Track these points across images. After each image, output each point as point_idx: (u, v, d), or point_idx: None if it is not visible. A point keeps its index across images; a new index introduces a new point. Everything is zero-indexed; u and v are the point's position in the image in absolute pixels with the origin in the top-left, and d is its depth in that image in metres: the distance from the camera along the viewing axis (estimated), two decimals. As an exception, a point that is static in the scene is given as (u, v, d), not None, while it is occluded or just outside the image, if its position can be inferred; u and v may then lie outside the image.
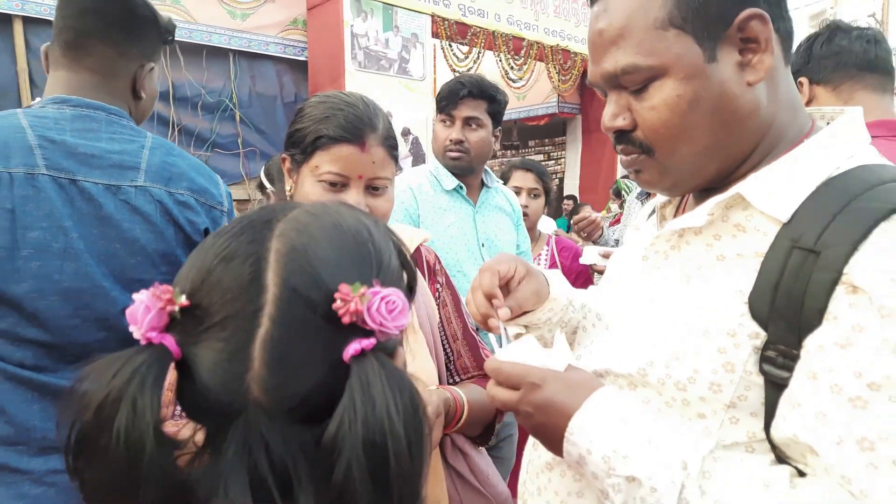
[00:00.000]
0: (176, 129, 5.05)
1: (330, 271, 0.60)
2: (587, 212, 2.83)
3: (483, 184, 2.37)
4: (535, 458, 1.04)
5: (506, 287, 1.05)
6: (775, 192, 0.81)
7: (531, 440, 1.07)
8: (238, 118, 5.45)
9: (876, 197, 0.74)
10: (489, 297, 1.02)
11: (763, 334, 0.77)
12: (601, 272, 2.76)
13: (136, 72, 1.51)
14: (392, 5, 5.84)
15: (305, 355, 0.57)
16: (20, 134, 1.33)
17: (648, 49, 0.82)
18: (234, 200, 1.67)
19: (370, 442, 0.53)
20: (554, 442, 0.86)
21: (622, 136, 0.90)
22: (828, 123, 0.92)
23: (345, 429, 0.53)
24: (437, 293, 1.45)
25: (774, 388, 0.77)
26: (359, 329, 0.58)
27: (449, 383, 1.41)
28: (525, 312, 1.09)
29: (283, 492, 0.56)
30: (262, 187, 3.00)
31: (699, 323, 0.82)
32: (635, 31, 0.82)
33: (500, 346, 0.98)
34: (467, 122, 2.19)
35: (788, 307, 0.74)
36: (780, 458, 0.79)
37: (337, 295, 0.58)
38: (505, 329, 1.01)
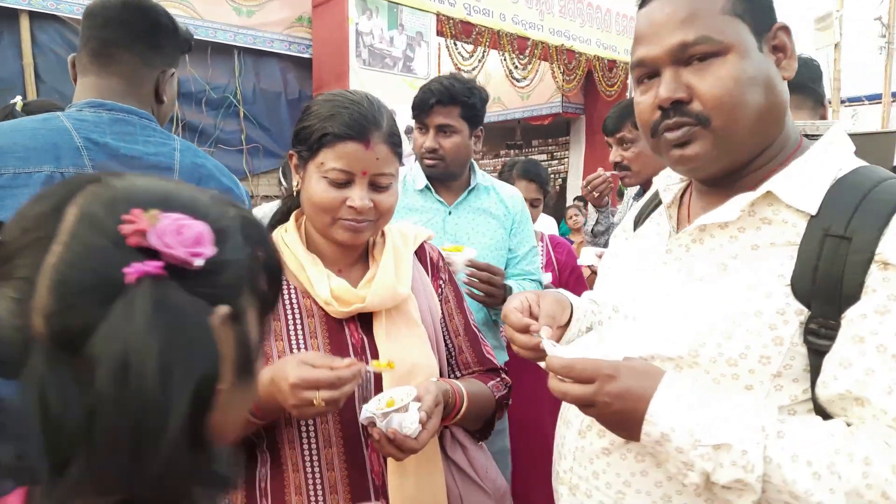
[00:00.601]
0: (180, 125, 5.06)
1: (132, 201, 0.57)
2: (600, 171, 2.82)
3: (469, 184, 2.31)
4: (587, 446, 1.10)
5: (529, 315, 1.13)
6: (800, 190, 0.95)
7: (566, 432, 1.16)
8: (242, 115, 5.47)
9: (884, 191, 0.90)
10: (524, 331, 1.09)
11: (806, 311, 0.90)
12: (596, 272, 2.76)
13: (159, 77, 1.59)
14: (397, 3, 5.85)
15: (90, 281, 0.54)
16: (67, 136, 1.38)
17: (718, 28, 0.94)
18: (238, 197, 1.69)
19: (112, 360, 0.51)
20: (631, 426, 0.94)
21: (677, 108, 0.97)
22: (803, 134, 1.08)
23: (93, 349, 0.52)
24: (439, 289, 1.46)
25: (817, 355, 0.90)
26: (148, 253, 0.55)
27: (450, 378, 1.42)
28: (560, 328, 1.18)
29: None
30: (280, 182, 3.03)
31: (748, 305, 0.93)
32: (706, 13, 0.95)
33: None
34: (440, 129, 2.17)
35: (828, 285, 0.88)
36: (822, 415, 0.92)
37: (126, 217, 0.56)
38: (553, 343, 1.05)
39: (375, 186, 1.28)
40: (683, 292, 1.03)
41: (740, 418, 0.89)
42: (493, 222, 2.29)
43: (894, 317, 0.84)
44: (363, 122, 1.24)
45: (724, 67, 0.94)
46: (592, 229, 3.01)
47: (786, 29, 1.00)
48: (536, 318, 1.12)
